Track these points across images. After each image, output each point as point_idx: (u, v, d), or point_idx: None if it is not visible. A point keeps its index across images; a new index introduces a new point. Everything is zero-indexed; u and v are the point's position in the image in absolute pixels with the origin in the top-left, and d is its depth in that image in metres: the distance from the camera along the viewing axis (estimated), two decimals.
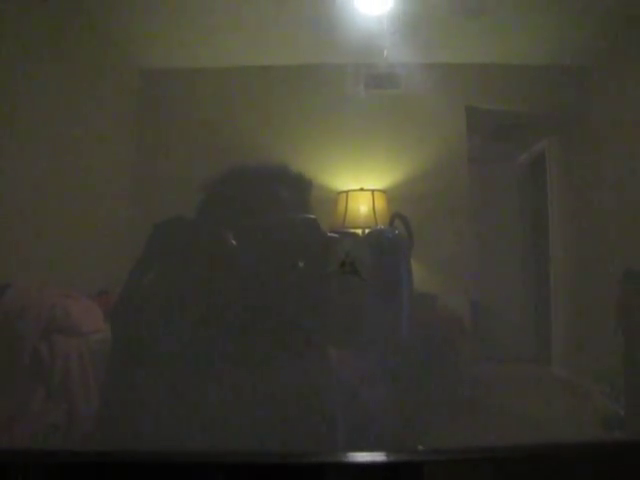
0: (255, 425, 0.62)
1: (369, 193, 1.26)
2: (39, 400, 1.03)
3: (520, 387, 1.25)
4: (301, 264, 0.72)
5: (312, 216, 0.77)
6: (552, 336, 1.33)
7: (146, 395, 0.68)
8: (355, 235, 0.88)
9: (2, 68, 1.08)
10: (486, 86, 1.34)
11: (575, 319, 1.32)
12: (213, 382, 0.66)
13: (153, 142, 1.22)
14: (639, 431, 1.03)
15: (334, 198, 1.25)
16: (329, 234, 0.76)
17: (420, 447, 0.55)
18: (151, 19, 1.27)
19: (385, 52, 1.22)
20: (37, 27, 1.13)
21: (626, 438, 0.91)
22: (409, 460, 0.45)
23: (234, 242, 0.73)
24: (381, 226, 1.18)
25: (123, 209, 1.23)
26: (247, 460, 0.48)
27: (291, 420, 0.63)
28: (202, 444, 0.60)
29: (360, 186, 1.27)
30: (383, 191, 1.26)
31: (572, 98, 1.32)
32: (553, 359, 1.34)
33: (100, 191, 1.22)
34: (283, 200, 0.79)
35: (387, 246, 0.78)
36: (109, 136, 1.23)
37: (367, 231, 0.89)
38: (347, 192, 1.26)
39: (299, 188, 0.81)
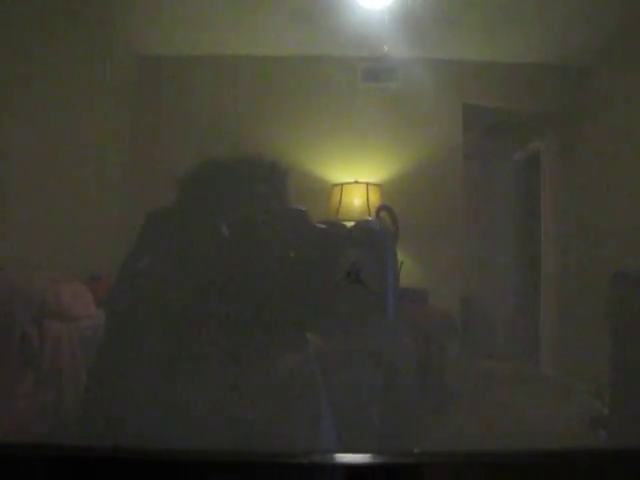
0: (243, 422, 0.62)
1: (363, 186, 1.26)
2: (28, 385, 1.03)
3: (508, 385, 1.25)
4: (292, 254, 0.73)
5: (302, 207, 0.77)
6: (541, 336, 1.34)
7: (136, 383, 0.68)
8: (343, 227, 0.88)
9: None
10: (484, 83, 1.34)
11: (564, 319, 1.33)
12: (201, 366, 0.67)
13: (148, 130, 1.22)
14: (622, 430, 1.04)
15: (328, 190, 1.25)
16: (318, 225, 0.76)
17: (416, 449, 0.56)
18: (151, 6, 1.26)
19: (386, 47, 1.22)
20: (34, 10, 1.12)
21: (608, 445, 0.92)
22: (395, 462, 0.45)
23: (227, 232, 0.73)
24: (368, 218, 1.18)
25: (116, 196, 1.22)
26: (236, 459, 0.48)
27: (278, 418, 0.63)
28: (185, 436, 0.60)
29: (355, 179, 1.27)
30: (378, 184, 1.27)
31: (569, 98, 1.32)
32: (542, 359, 1.35)
33: (94, 178, 1.21)
34: (261, 193, 0.79)
35: (373, 238, 0.78)
36: (105, 122, 1.22)
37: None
38: (342, 185, 1.26)
39: (274, 180, 0.81)
